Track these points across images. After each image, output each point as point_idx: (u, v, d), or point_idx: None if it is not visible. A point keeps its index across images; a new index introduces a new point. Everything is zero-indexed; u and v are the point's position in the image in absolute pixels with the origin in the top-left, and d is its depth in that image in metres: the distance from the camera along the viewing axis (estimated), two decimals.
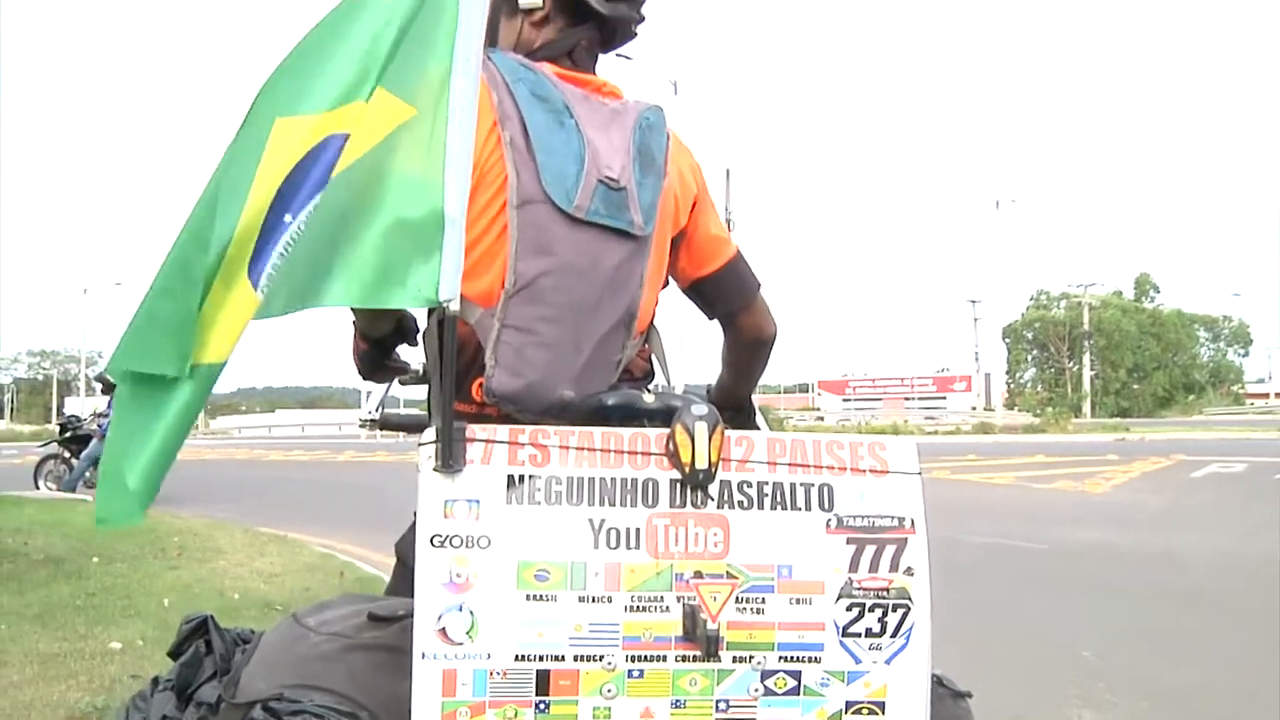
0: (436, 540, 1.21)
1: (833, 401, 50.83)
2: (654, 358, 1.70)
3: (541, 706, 1.21)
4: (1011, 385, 62.55)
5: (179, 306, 1.26)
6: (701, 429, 1.25)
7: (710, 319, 1.76)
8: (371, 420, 1.79)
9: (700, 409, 1.28)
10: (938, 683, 1.42)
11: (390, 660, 1.26)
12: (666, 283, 1.69)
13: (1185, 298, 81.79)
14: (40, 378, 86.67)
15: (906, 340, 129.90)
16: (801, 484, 1.30)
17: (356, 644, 1.31)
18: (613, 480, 1.27)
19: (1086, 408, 55.20)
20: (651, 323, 1.66)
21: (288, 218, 1.25)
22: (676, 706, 1.24)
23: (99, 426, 13.76)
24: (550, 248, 1.44)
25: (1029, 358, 65.78)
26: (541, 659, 1.21)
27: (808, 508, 1.30)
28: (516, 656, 1.21)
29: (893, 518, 1.31)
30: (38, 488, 13.83)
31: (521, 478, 1.25)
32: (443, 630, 1.19)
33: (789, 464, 1.31)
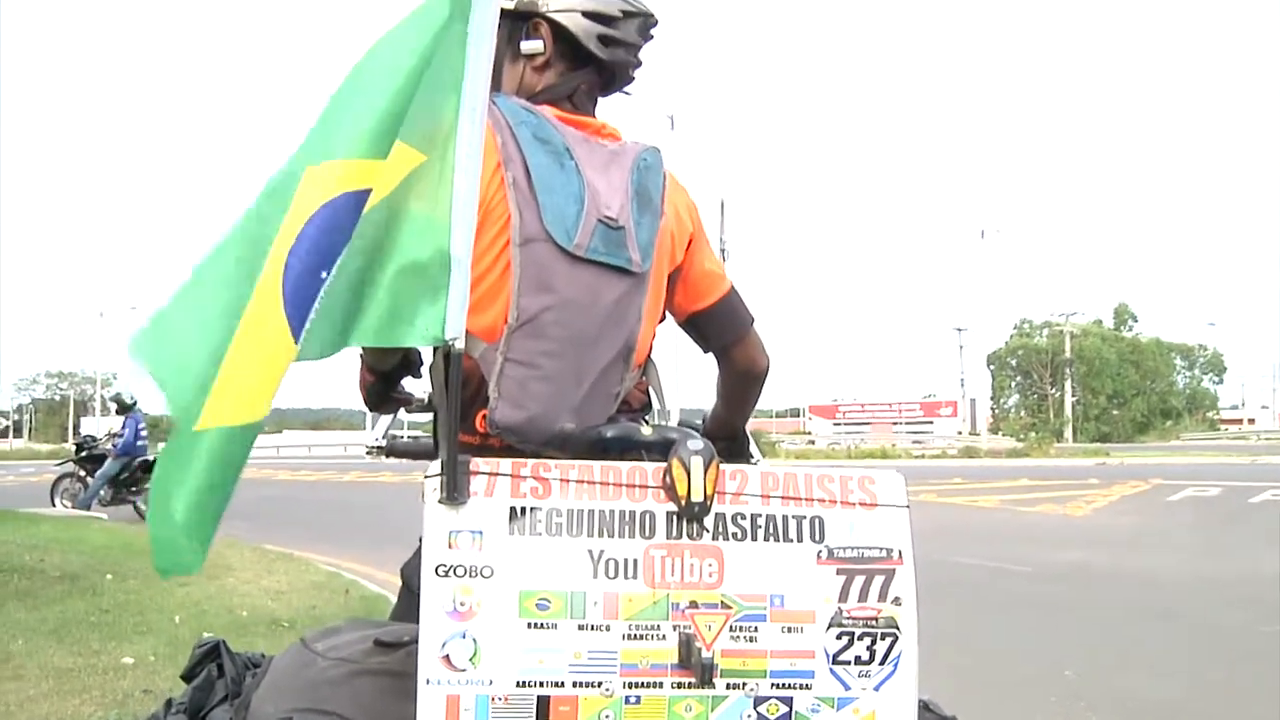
0: (441, 570, 1.21)
1: (823, 426, 50.79)
2: (651, 389, 1.70)
3: None
4: (996, 411, 62.60)
5: (203, 341, 1.22)
6: (697, 463, 1.25)
7: (705, 352, 1.76)
8: (378, 448, 1.80)
9: (696, 444, 1.28)
10: (924, 708, 1.42)
11: (396, 685, 1.26)
12: (664, 317, 1.68)
13: (1162, 327, 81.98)
14: (57, 398, 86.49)
15: (894, 366, 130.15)
16: (793, 516, 1.31)
17: (363, 669, 1.32)
18: (611, 512, 1.27)
19: (1068, 433, 55.25)
20: (649, 356, 1.66)
21: (323, 274, 1.26)
22: None
23: (113, 446, 13.76)
24: (551, 284, 1.44)
25: (1013, 384, 65.84)
26: (542, 685, 1.21)
27: (799, 539, 1.30)
28: (518, 683, 1.21)
29: (881, 549, 1.32)
30: (54, 505, 13.81)
31: (523, 510, 1.25)
32: (446, 657, 1.19)
33: (781, 497, 1.31)
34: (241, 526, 9.94)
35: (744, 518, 1.29)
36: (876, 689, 1.29)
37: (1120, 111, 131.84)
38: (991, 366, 64.10)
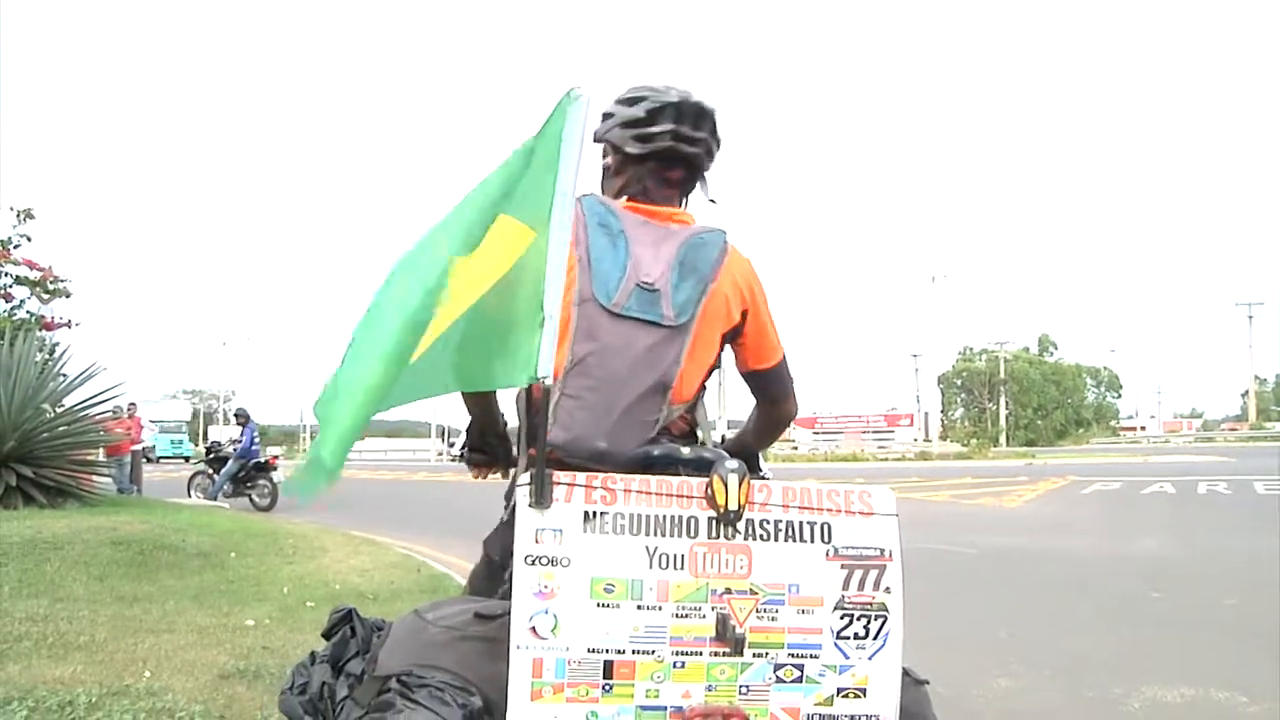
0: (529, 559, 1.26)
1: (804, 434, 50.20)
2: (698, 424, 1.68)
3: (606, 688, 1.25)
4: (945, 421, 61.78)
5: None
6: (734, 479, 1.30)
7: (759, 401, 1.78)
8: (461, 456, 1.86)
9: (732, 464, 1.32)
10: (904, 673, 1.44)
11: (491, 649, 1.29)
12: (718, 364, 1.68)
13: (1076, 353, 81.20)
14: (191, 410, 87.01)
15: (863, 385, 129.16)
16: (807, 522, 1.34)
17: (466, 635, 1.35)
18: (663, 517, 1.31)
19: (1003, 439, 54.67)
20: (698, 395, 1.64)
21: None
22: (709, 690, 1.28)
23: (233, 450, 13.90)
24: (596, 334, 1.52)
25: (958, 400, 65.21)
26: (607, 652, 1.25)
27: (812, 540, 1.34)
28: (588, 649, 1.25)
29: (876, 549, 1.36)
30: (189, 496, 13.98)
31: (594, 513, 1.29)
32: (533, 628, 1.24)
33: (799, 506, 1.35)
34: (332, 516, 10.04)
35: (769, 523, 1.33)
36: (870, 658, 1.33)
37: (1043, 184, 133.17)
38: (941, 385, 63.61)
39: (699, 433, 1.69)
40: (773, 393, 1.74)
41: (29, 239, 12.44)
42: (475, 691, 1.27)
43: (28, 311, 12.40)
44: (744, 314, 1.64)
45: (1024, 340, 67.56)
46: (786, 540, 1.33)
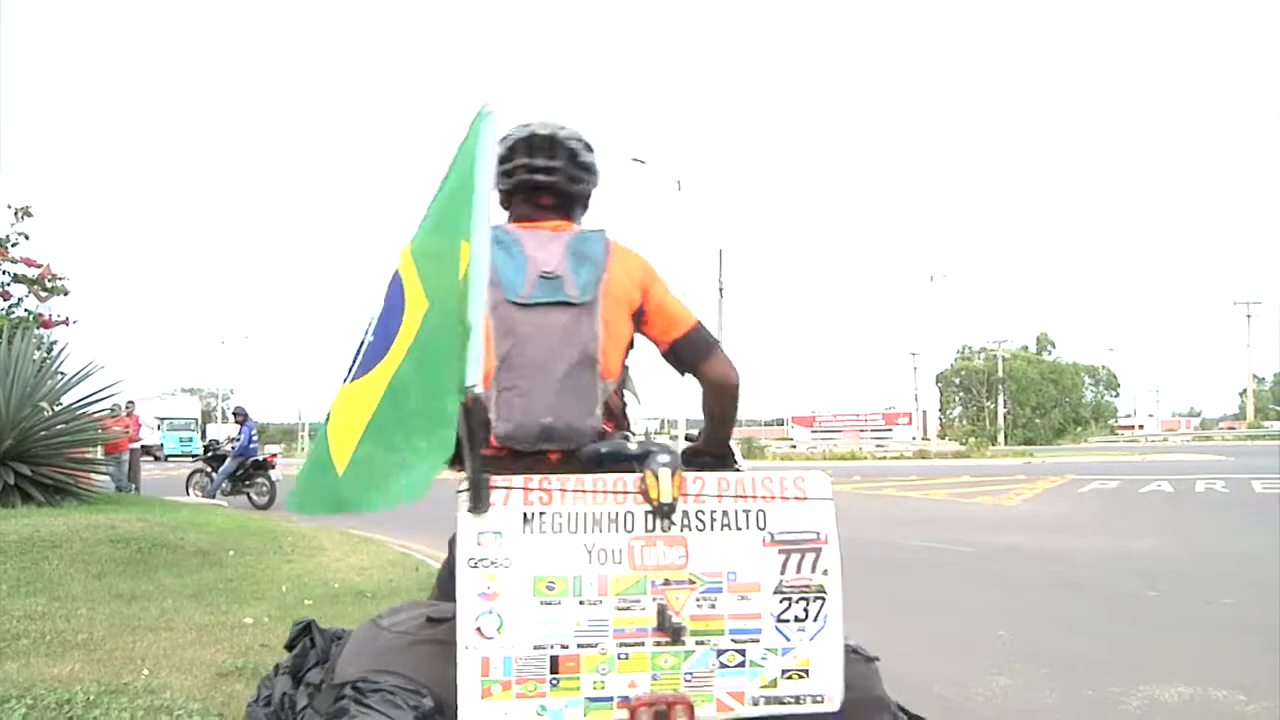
0: (471, 562, 1.30)
1: (803, 433, 50.24)
2: (627, 391, 1.77)
3: (554, 682, 1.29)
4: (943, 420, 61.87)
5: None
6: (665, 473, 1.34)
7: (683, 374, 1.81)
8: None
9: (664, 457, 1.37)
10: (853, 651, 1.50)
11: (443, 651, 1.33)
12: (633, 344, 1.79)
13: (1074, 351, 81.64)
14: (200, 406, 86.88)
15: (861, 383, 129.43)
16: (743, 510, 1.37)
17: (418, 639, 1.41)
18: (600, 514, 1.35)
19: (1001, 438, 54.72)
20: (624, 373, 1.75)
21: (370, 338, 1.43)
22: (654, 679, 1.32)
23: (232, 448, 13.90)
24: (513, 329, 1.63)
25: (956, 398, 65.20)
26: (552, 647, 1.29)
27: (748, 528, 1.37)
28: (534, 646, 1.29)
29: (812, 532, 1.38)
30: (188, 494, 13.97)
31: (533, 514, 1.34)
32: (479, 629, 1.28)
33: (733, 495, 1.38)
34: (331, 516, 9.98)
35: (704, 513, 1.36)
36: (811, 639, 1.36)
37: (1041, 184, 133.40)
38: (939, 384, 63.61)
39: (634, 402, 1.78)
40: (696, 356, 1.78)
41: (27, 236, 12.41)
42: (427, 693, 1.31)
43: (25, 309, 12.38)
44: (643, 295, 1.76)
45: (1022, 339, 67.78)
46: (722, 529, 1.36)
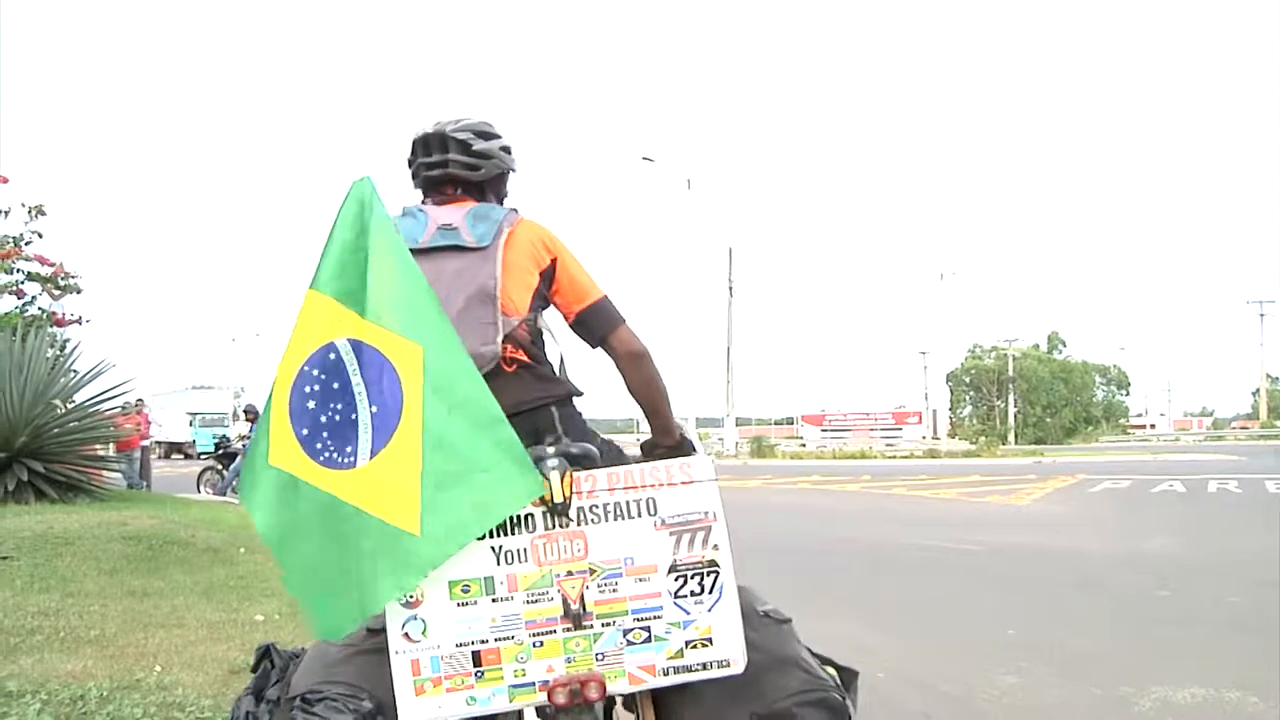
0: None
1: (812, 432, 50.09)
2: (545, 333, 1.88)
3: (479, 674, 1.40)
4: (953, 419, 61.60)
5: None
6: (555, 475, 1.43)
7: (592, 346, 1.89)
8: None
9: (554, 461, 1.45)
10: (765, 615, 1.60)
11: (381, 658, 1.42)
12: (545, 300, 1.87)
13: (1085, 350, 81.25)
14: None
15: (871, 383, 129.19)
16: (634, 500, 1.46)
17: (361, 650, 1.52)
18: (504, 519, 1.42)
19: (1011, 437, 54.53)
20: (533, 315, 1.83)
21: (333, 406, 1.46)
22: (569, 662, 1.42)
23: (242, 446, 13.97)
24: None
25: (967, 397, 64.93)
26: (473, 643, 1.41)
27: (640, 515, 1.46)
28: (456, 644, 1.40)
29: (700, 512, 1.46)
30: (199, 492, 14.05)
31: None
32: (406, 634, 1.40)
33: (624, 487, 1.47)
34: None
35: (598, 507, 1.45)
36: (709, 610, 1.45)
37: (1052, 182, 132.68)
38: (949, 383, 63.34)
39: (550, 343, 1.89)
40: (603, 327, 1.86)
41: (40, 235, 12.52)
42: (366, 696, 1.45)
43: (39, 308, 12.48)
44: (552, 258, 1.86)
45: (1033, 338, 67.46)
46: (617, 519, 1.45)
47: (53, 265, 12.51)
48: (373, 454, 1.37)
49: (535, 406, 1.77)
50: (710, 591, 1.45)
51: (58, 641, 3.80)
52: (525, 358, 1.80)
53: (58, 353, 10.87)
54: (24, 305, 12.34)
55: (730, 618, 1.45)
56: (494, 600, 1.41)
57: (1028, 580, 6.80)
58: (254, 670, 1.64)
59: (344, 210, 1.45)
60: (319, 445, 1.40)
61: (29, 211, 12.47)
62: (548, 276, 1.85)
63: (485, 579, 1.41)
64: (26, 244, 12.42)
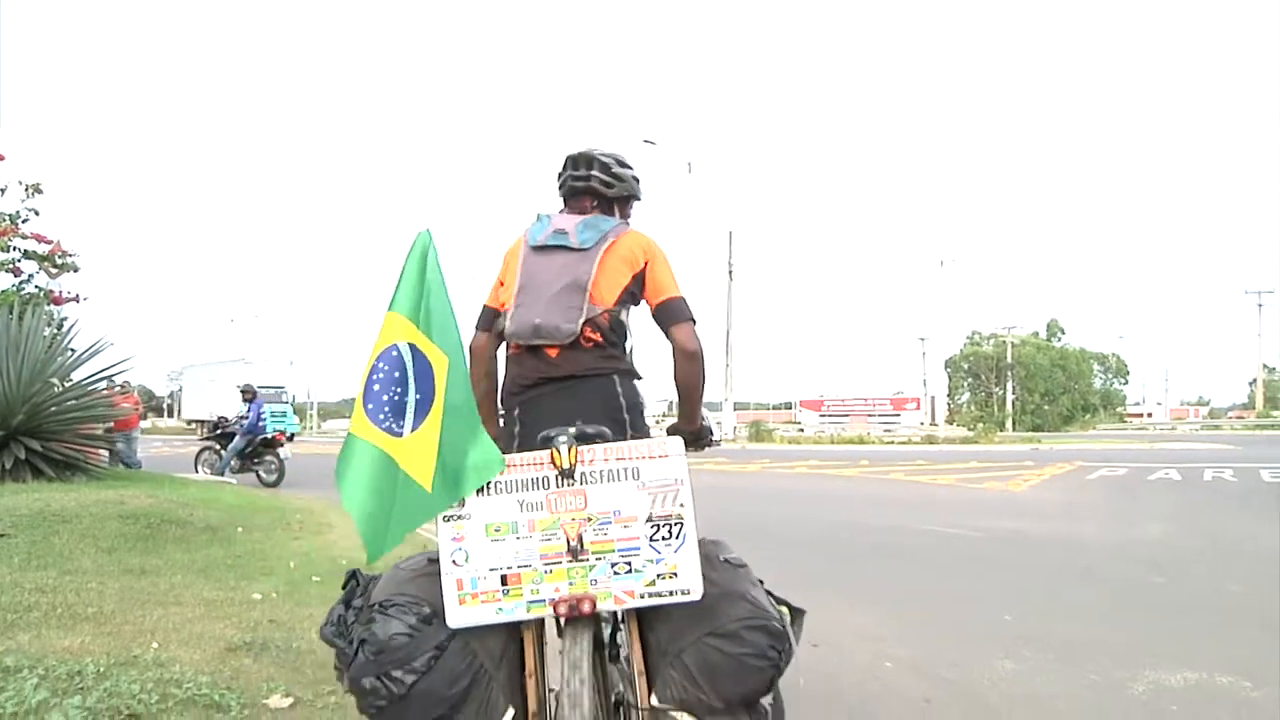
0: (445, 519, 1.86)
1: (811, 417, 50.11)
2: (621, 334, 2.32)
3: (505, 591, 1.84)
4: (951, 405, 61.63)
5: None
6: (564, 447, 1.86)
7: (662, 330, 2.31)
8: None
9: (564, 437, 1.88)
10: (725, 560, 1.99)
11: (435, 579, 1.87)
12: (634, 297, 2.32)
13: (1084, 338, 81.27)
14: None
15: (870, 368, 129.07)
16: (623, 468, 1.87)
17: (422, 573, 1.95)
18: (526, 479, 1.87)
19: (1009, 424, 54.62)
20: (619, 309, 2.29)
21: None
22: (570, 585, 1.84)
23: (240, 426, 13.97)
24: (528, 266, 2.33)
25: (965, 384, 64.91)
26: (501, 569, 1.85)
27: (627, 479, 1.87)
28: (489, 569, 1.85)
29: (671, 479, 1.86)
30: (197, 471, 14.04)
31: (485, 485, 1.87)
32: (453, 560, 1.85)
33: (616, 459, 1.87)
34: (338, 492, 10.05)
35: (597, 472, 1.87)
36: (676, 552, 1.85)
37: (1053, 170, 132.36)
38: (948, 369, 63.33)
39: (627, 344, 2.34)
40: (670, 319, 2.30)
41: (37, 213, 12.46)
42: (424, 604, 1.86)
43: (36, 286, 12.44)
44: (645, 264, 2.32)
45: (1032, 325, 67.21)
46: (610, 482, 1.87)
47: (50, 243, 12.46)
48: (414, 428, 1.87)
49: (601, 374, 2.26)
50: (676, 537, 1.85)
51: (55, 618, 3.80)
52: (599, 338, 2.27)
53: (55, 331, 10.85)
54: (21, 283, 12.29)
55: (690, 558, 1.85)
56: (517, 538, 1.85)
57: (1025, 566, 6.83)
58: (344, 588, 2.02)
59: (412, 254, 1.92)
60: (381, 416, 1.88)
61: (26, 189, 12.40)
62: (640, 277, 2.31)
63: (512, 522, 1.85)
64: (23, 221, 12.36)
